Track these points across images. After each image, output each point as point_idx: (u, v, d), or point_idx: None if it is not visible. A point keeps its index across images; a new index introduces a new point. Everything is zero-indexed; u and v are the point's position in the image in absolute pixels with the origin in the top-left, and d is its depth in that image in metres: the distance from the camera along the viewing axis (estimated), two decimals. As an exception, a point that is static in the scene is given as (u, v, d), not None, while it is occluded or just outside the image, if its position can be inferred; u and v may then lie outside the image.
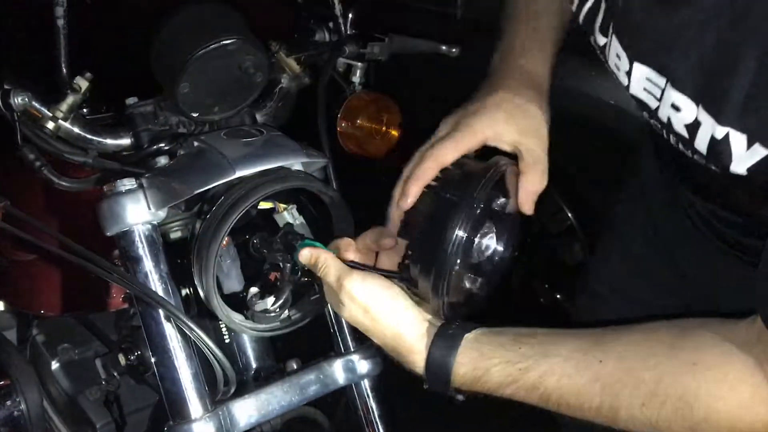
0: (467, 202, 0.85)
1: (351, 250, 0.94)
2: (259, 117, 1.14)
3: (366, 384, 1.17)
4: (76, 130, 0.97)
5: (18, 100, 0.91)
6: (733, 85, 0.70)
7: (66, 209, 1.23)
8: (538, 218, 2.64)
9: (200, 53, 0.95)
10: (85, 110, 1.00)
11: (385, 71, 1.28)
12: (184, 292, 1.03)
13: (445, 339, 0.86)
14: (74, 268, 0.92)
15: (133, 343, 1.13)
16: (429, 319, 0.88)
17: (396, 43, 1.20)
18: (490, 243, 0.95)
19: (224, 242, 0.96)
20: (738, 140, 0.72)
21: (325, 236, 1.01)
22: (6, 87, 0.91)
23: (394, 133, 1.25)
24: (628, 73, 0.83)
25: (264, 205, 1.05)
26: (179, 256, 1.02)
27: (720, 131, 0.73)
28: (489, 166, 0.90)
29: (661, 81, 0.79)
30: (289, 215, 1.08)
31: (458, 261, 0.86)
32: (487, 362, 0.83)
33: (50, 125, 0.94)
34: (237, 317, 1.01)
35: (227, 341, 1.12)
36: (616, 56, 0.84)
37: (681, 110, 0.77)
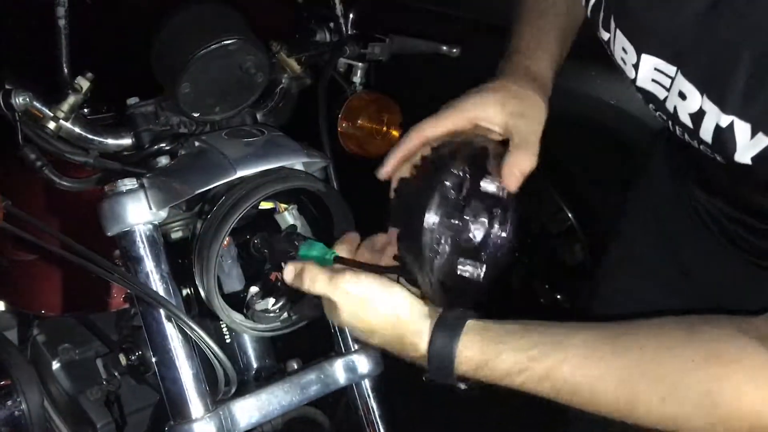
0: (436, 181, 0.83)
1: (354, 245, 0.93)
2: (259, 117, 1.14)
3: (367, 384, 1.17)
4: (77, 130, 0.97)
5: (19, 100, 0.91)
6: (736, 75, 0.71)
7: (67, 209, 1.23)
8: (539, 218, 2.64)
9: (201, 53, 0.95)
10: (86, 110, 1.01)
11: (385, 71, 1.28)
12: (185, 292, 1.03)
13: (448, 321, 0.83)
14: (75, 268, 0.92)
15: (134, 343, 1.13)
16: (430, 306, 0.87)
17: (397, 43, 1.20)
18: (481, 226, 0.93)
19: (225, 242, 0.96)
20: (742, 129, 0.72)
21: (325, 236, 1.01)
22: (7, 87, 0.91)
23: (395, 133, 1.24)
24: (636, 66, 0.84)
25: (265, 205, 1.05)
26: (180, 256, 1.02)
27: (725, 120, 0.73)
28: (464, 144, 0.89)
29: (672, 70, 0.79)
30: (289, 215, 1.08)
31: (440, 245, 0.85)
32: (494, 347, 0.80)
33: (51, 125, 0.94)
34: (238, 317, 1.01)
35: (228, 341, 1.12)
36: (622, 50, 0.85)
37: (687, 98, 0.78)
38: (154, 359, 0.99)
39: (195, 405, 0.98)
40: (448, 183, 0.86)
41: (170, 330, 0.97)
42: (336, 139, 1.17)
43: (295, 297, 1.04)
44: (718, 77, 0.73)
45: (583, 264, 2.53)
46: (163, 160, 1.02)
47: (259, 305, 1.00)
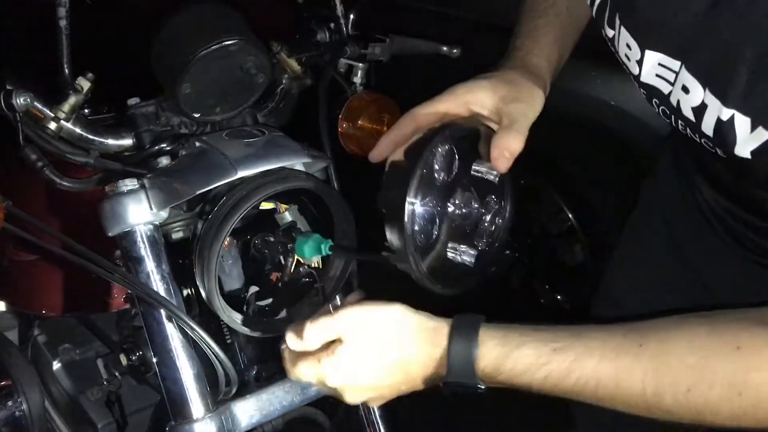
0: (421, 161, 0.83)
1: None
2: (260, 117, 1.14)
3: (367, 384, 1.17)
4: (77, 130, 0.97)
5: (20, 101, 0.91)
6: (738, 71, 0.72)
7: (68, 210, 1.24)
8: (539, 219, 2.64)
9: (202, 54, 0.95)
10: (86, 111, 1.00)
11: (386, 72, 1.28)
12: (185, 292, 1.03)
13: (466, 318, 0.82)
14: (76, 268, 0.92)
15: (135, 344, 1.13)
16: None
17: (397, 43, 1.21)
18: (472, 210, 0.93)
19: (226, 243, 0.96)
20: (742, 123, 0.73)
21: (326, 236, 1.01)
22: (8, 87, 0.91)
23: (395, 133, 1.24)
24: (640, 62, 0.85)
25: (266, 206, 1.05)
26: (181, 257, 1.02)
27: (726, 113, 0.74)
28: (453, 126, 0.89)
29: (676, 64, 0.80)
30: (290, 215, 1.08)
31: (425, 227, 0.84)
32: (517, 339, 0.78)
33: (52, 126, 0.94)
34: (238, 317, 1.01)
35: (229, 341, 1.12)
36: (627, 46, 0.86)
37: (690, 92, 0.79)
38: (154, 359, 0.99)
39: (196, 405, 0.98)
40: (435, 164, 0.86)
41: (171, 330, 0.97)
42: (336, 139, 1.18)
43: (295, 297, 1.04)
44: (720, 72, 0.74)
45: (583, 264, 2.53)
46: (164, 161, 1.02)
47: (258, 304, 1.00)
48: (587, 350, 0.76)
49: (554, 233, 2.62)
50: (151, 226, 0.97)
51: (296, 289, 1.05)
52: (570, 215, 2.50)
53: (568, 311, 2.61)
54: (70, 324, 1.49)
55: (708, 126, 0.78)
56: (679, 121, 0.84)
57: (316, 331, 0.85)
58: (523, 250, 2.68)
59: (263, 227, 1.06)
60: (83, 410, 1.42)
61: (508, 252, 2.66)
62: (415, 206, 0.83)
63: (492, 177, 0.93)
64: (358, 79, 1.21)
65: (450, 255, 0.91)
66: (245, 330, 1.01)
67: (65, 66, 0.93)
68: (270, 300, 1.07)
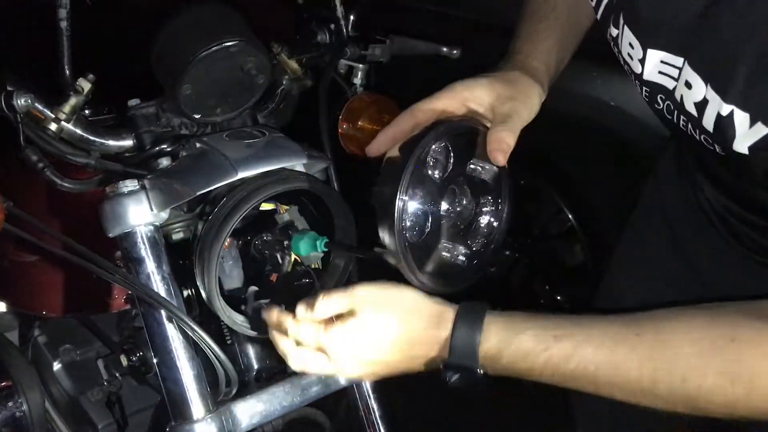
0: (414, 156, 0.84)
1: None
2: (260, 118, 1.14)
3: (367, 385, 1.17)
4: (78, 131, 0.97)
5: (21, 102, 0.92)
6: (738, 69, 0.73)
7: (68, 210, 1.24)
8: (539, 219, 2.64)
9: (202, 55, 0.95)
10: (87, 112, 1.00)
11: (386, 73, 1.28)
12: (186, 293, 1.03)
13: (472, 305, 0.84)
14: (76, 269, 0.93)
15: (135, 344, 1.13)
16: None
17: (397, 44, 1.21)
18: (465, 208, 0.93)
19: (226, 243, 0.96)
20: (741, 118, 0.75)
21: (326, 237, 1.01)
22: (9, 89, 0.91)
23: (395, 134, 1.24)
24: (642, 60, 0.86)
25: (266, 206, 1.05)
26: (181, 257, 1.02)
27: (726, 108, 0.76)
28: (449, 123, 0.90)
29: (679, 61, 0.82)
30: (290, 216, 1.08)
31: (416, 224, 0.85)
32: (519, 325, 0.81)
33: (53, 127, 0.94)
34: (239, 318, 1.01)
35: (229, 342, 1.12)
36: (629, 45, 0.87)
37: (692, 88, 0.80)
38: (155, 360, 0.99)
39: (196, 406, 0.98)
40: (429, 161, 0.86)
41: (171, 331, 0.97)
42: (336, 140, 1.18)
43: (294, 297, 1.04)
44: (721, 69, 0.76)
45: (583, 265, 2.53)
46: (165, 162, 1.03)
47: (256, 304, 1.00)
48: (587, 338, 0.78)
49: (554, 233, 2.63)
50: (151, 227, 0.98)
51: (295, 290, 1.05)
52: (570, 215, 2.50)
53: (568, 311, 2.61)
54: (70, 325, 1.49)
55: (708, 121, 0.80)
56: (681, 117, 0.86)
57: (329, 302, 0.86)
58: (523, 250, 2.68)
59: (263, 228, 1.07)
60: (84, 411, 1.42)
61: (508, 252, 2.67)
62: (406, 202, 0.83)
63: (487, 176, 0.93)
64: (358, 80, 1.21)
65: (443, 253, 0.91)
66: (245, 330, 1.02)
67: (66, 67, 0.94)
68: (269, 300, 1.07)
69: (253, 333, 1.03)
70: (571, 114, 2.10)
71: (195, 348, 0.98)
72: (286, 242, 1.01)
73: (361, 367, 0.87)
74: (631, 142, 2.13)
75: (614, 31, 0.91)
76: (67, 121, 0.95)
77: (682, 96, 0.83)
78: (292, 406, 1.07)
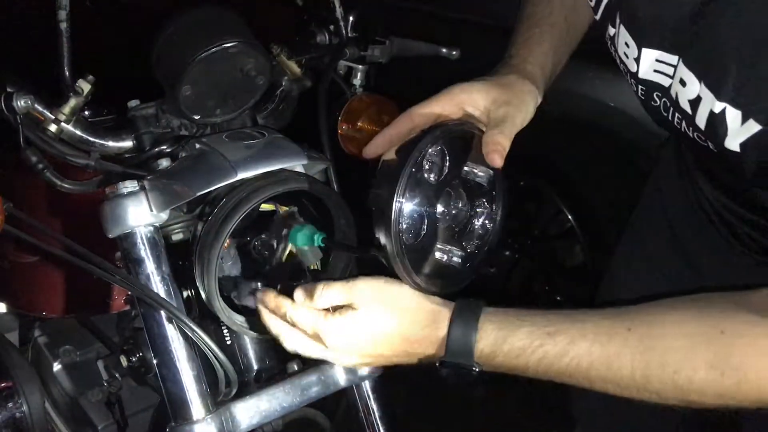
0: (411, 159, 0.85)
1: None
2: (260, 119, 1.14)
3: (367, 385, 1.17)
4: (78, 132, 0.97)
5: (21, 103, 0.92)
6: (730, 68, 0.74)
7: (68, 211, 1.24)
8: (539, 220, 2.64)
9: (202, 56, 0.96)
10: (87, 113, 1.01)
11: (385, 73, 1.28)
12: (185, 293, 1.03)
13: (467, 304, 0.86)
14: (76, 270, 0.93)
15: (135, 345, 1.13)
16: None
17: (396, 45, 1.21)
18: (461, 211, 0.94)
19: (226, 244, 0.97)
20: (733, 115, 0.76)
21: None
22: (9, 90, 0.92)
23: (395, 134, 1.24)
24: (637, 59, 0.87)
25: (265, 207, 1.05)
26: (181, 258, 1.02)
27: (718, 106, 0.77)
28: (445, 126, 0.90)
29: (674, 59, 0.83)
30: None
31: (412, 226, 0.85)
32: (514, 321, 0.83)
33: (53, 128, 0.95)
34: (238, 318, 1.01)
35: (228, 343, 1.12)
36: (625, 44, 0.89)
37: (686, 85, 0.81)
38: (155, 361, 0.99)
39: (196, 406, 0.98)
40: (425, 164, 0.86)
41: (171, 331, 0.97)
42: (336, 141, 1.18)
43: (286, 289, 1.04)
44: (713, 68, 0.77)
45: (583, 265, 2.54)
46: (164, 163, 1.03)
47: (251, 300, 1.00)
48: (580, 334, 0.79)
49: (554, 234, 2.63)
50: (151, 228, 0.98)
51: (290, 287, 1.04)
52: (570, 216, 2.51)
53: (567, 312, 2.61)
54: (70, 325, 1.49)
55: (701, 118, 0.81)
56: (676, 115, 0.87)
57: (329, 292, 0.87)
58: (523, 250, 2.68)
59: (263, 229, 1.07)
60: (84, 411, 1.42)
61: (508, 253, 2.67)
62: (403, 205, 0.84)
63: (483, 179, 0.93)
64: (357, 81, 1.21)
65: (438, 255, 0.92)
66: (245, 331, 1.02)
67: (66, 68, 0.94)
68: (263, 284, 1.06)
69: (253, 333, 1.03)
70: (570, 115, 2.10)
71: (195, 348, 0.98)
72: (284, 231, 1.01)
73: (357, 358, 0.89)
74: (631, 142, 2.13)
75: (612, 31, 0.92)
76: (67, 122, 0.95)
77: (677, 93, 0.84)
78: (291, 407, 1.07)
